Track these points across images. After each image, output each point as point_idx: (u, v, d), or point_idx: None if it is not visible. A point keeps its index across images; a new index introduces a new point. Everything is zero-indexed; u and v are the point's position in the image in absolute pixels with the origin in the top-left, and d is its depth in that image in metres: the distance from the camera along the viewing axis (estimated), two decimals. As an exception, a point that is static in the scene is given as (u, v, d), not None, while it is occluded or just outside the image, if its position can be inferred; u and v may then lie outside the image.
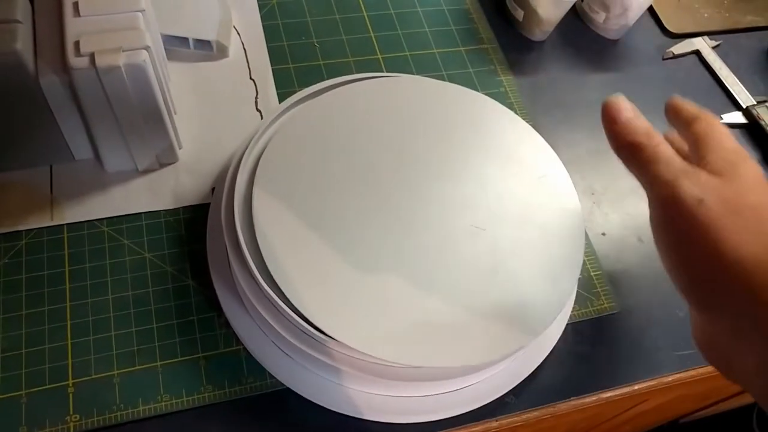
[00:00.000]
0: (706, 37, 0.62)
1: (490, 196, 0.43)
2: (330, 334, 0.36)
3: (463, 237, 0.41)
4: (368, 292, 0.38)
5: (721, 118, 0.57)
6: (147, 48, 0.38)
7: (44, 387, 0.38)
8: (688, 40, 0.62)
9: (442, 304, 0.38)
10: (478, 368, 0.38)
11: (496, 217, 0.42)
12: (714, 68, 0.60)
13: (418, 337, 0.37)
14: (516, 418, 0.42)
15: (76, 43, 0.37)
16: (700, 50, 0.61)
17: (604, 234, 0.50)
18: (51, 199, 0.44)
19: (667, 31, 0.63)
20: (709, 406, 0.89)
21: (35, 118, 0.41)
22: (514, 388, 0.42)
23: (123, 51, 0.38)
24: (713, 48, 0.62)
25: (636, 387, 0.44)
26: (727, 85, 0.59)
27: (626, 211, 0.52)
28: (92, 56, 0.37)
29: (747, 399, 0.79)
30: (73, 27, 0.38)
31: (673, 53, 0.61)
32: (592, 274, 0.48)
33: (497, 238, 0.41)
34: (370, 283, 0.38)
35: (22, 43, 0.37)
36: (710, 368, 0.46)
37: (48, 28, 0.39)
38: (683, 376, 0.45)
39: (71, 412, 0.37)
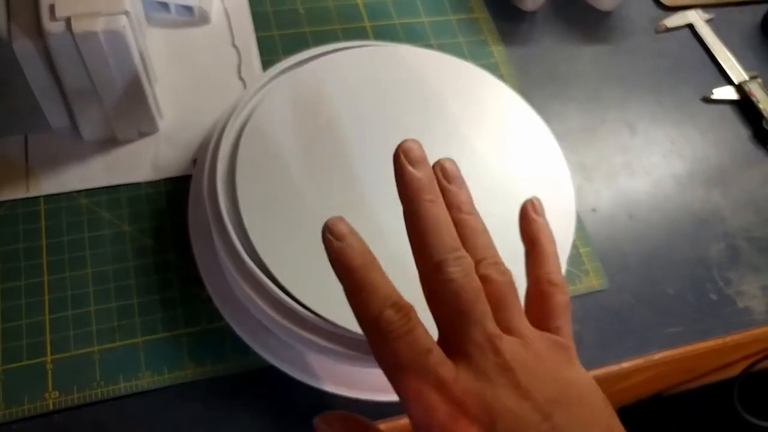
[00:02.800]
0: (699, 10, 0.61)
1: (479, 170, 0.42)
2: (314, 310, 0.35)
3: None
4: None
5: (713, 93, 0.57)
6: (126, 13, 0.37)
7: (22, 363, 0.37)
8: (681, 13, 0.61)
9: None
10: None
11: (485, 191, 0.41)
12: (707, 42, 0.60)
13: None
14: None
15: (51, 7, 0.36)
16: (693, 23, 0.60)
17: (594, 210, 0.50)
18: (26, 169, 0.42)
19: (661, 3, 0.62)
20: (691, 380, 0.90)
21: (8, 84, 0.39)
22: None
23: (101, 16, 0.36)
24: (706, 21, 0.61)
25: (624, 365, 0.44)
26: (719, 59, 0.59)
27: (617, 187, 0.51)
28: (68, 21, 0.35)
29: (728, 373, 0.80)
30: (47, -11, 0.36)
31: (666, 26, 0.60)
32: (581, 250, 0.47)
33: (486, 214, 0.40)
34: (356, 258, 0.38)
35: (-8, 5, 0.35)
36: (698, 346, 0.46)
37: (20, -10, 0.38)
38: (671, 353, 0.45)
39: (50, 389, 0.37)
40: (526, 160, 0.44)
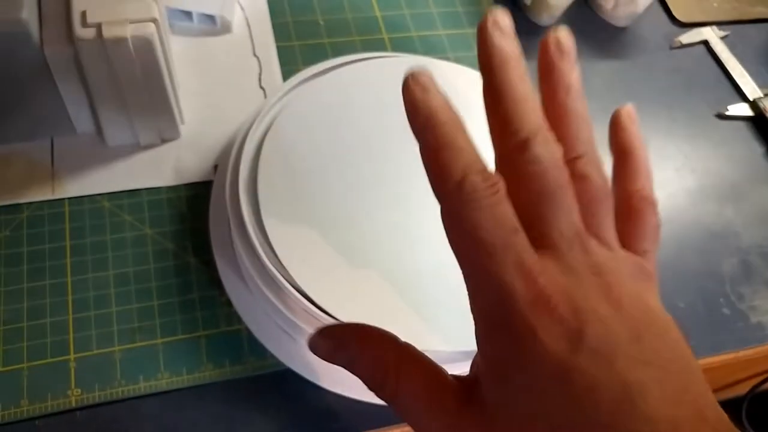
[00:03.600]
0: (714, 27, 0.62)
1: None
2: (334, 315, 0.36)
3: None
4: (374, 274, 0.38)
5: (727, 110, 0.57)
6: (155, 20, 0.38)
7: (46, 361, 0.38)
8: (696, 30, 0.62)
9: (447, 288, 0.38)
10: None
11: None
12: (721, 59, 0.60)
13: (421, 319, 0.37)
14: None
15: (83, 13, 0.37)
16: (709, 40, 0.61)
17: (606, 222, 0.50)
18: (52, 172, 0.43)
19: (676, 19, 0.62)
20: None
21: (38, 89, 0.40)
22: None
23: (130, 23, 0.37)
24: (721, 38, 0.61)
25: (634, 375, 0.44)
26: (734, 76, 0.59)
27: (629, 200, 0.52)
28: (99, 27, 0.36)
29: (737, 391, 0.80)
30: (79, -4, 0.37)
31: (681, 42, 0.61)
32: (594, 262, 0.48)
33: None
34: (375, 264, 0.38)
35: (28, 12, 0.36)
36: (709, 360, 0.46)
37: (53, -2, 0.39)
38: (681, 365, 0.45)
39: (73, 386, 0.37)
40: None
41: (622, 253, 0.24)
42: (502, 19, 0.25)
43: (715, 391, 0.60)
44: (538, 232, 0.22)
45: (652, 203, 0.26)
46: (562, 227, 0.22)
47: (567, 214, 0.23)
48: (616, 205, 0.25)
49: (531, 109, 0.24)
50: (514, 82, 0.24)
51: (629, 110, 0.29)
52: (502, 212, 0.21)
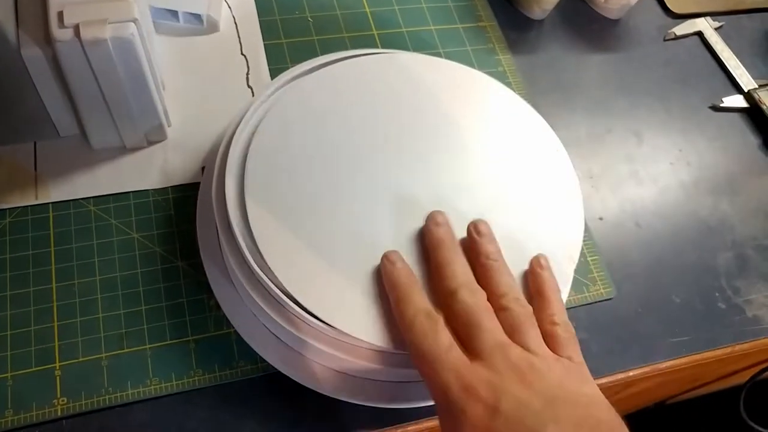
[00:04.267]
0: (708, 18, 0.61)
1: (488, 178, 0.42)
2: (323, 319, 0.35)
3: (459, 221, 0.40)
4: (363, 276, 0.37)
5: (722, 102, 0.57)
6: (135, 20, 0.37)
7: (31, 369, 0.37)
8: (690, 21, 0.61)
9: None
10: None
11: (493, 200, 0.42)
12: (716, 50, 0.59)
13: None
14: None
15: (60, 14, 0.36)
16: (703, 31, 0.60)
17: (601, 219, 0.50)
18: (35, 176, 0.43)
19: (670, 11, 0.62)
20: (697, 388, 0.90)
21: (17, 92, 0.39)
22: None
23: (109, 23, 0.36)
24: (716, 29, 0.61)
25: (631, 373, 0.44)
26: (728, 67, 0.58)
27: (625, 195, 0.51)
28: (77, 28, 0.36)
29: (734, 381, 0.79)
30: (56, -4, 0.37)
31: (675, 34, 0.60)
32: (588, 259, 0.47)
33: (494, 223, 0.41)
34: (364, 266, 0.38)
35: (3, 13, 0.35)
36: (705, 355, 0.46)
37: (30, -2, 0.38)
38: (678, 362, 0.45)
39: (59, 395, 0.37)
40: (535, 169, 0.44)
41: (550, 355, 0.32)
42: (437, 216, 0.38)
43: (711, 383, 0.59)
44: (470, 347, 0.32)
45: (560, 323, 0.34)
46: (484, 342, 0.31)
47: (488, 333, 0.32)
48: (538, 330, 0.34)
49: (460, 271, 0.35)
50: (446, 255, 0.36)
51: (540, 259, 0.38)
52: (440, 338, 0.32)
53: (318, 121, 0.42)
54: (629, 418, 0.32)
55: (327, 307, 0.36)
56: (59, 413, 0.36)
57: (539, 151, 0.45)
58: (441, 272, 0.35)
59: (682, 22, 0.61)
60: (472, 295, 0.33)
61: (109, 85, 0.39)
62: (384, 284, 0.36)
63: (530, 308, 0.34)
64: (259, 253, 0.37)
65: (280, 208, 0.39)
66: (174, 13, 0.49)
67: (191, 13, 0.50)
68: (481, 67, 0.54)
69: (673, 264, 0.48)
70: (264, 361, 0.39)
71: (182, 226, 0.43)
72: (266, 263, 0.37)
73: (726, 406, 1.00)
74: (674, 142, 0.55)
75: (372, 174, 0.41)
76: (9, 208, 0.42)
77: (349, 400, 0.39)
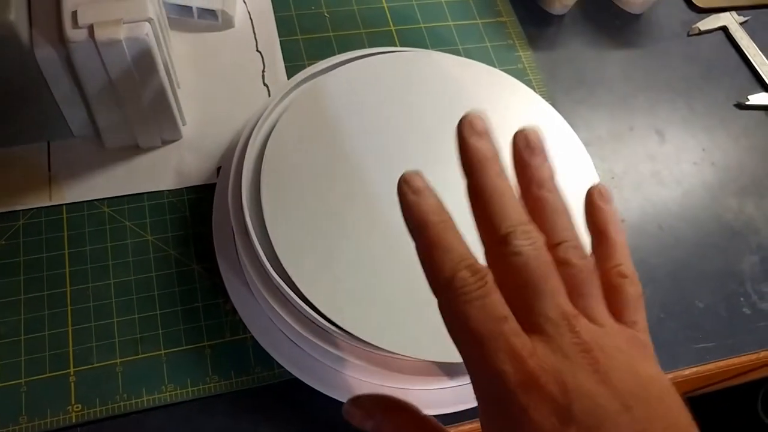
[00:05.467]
0: (734, 13, 0.59)
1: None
2: (340, 325, 0.35)
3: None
4: (380, 282, 0.37)
5: (748, 99, 0.55)
6: (149, 20, 0.36)
7: (45, 375, 0.37)
8: (714, 16, 0.59)
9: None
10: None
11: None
12: (741, 46, 0.58)
13: (430, 329, 0.35)
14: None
15: (74, 14, 0.35)
16: (728, 26, 0.59)
17: (622, 220, 0.48)
18: (49, 177, 0.42)
19: (694, 5, 0.60)
20: (711, 385, 0.89)
21: (30, 92, 0.39)
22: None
23: (124, 23, 0.35)
24: (741, 24, 0.59)
25: (653, 381, 0.43)
26: (754, 63, 0.57)
27: (646, 196, 0.50)
28: (91, 28, 0.35)
29: (750, 377, 0.78)
30: (70, -5, 0.36)
31: (699, 29, 0.58)
32: (610, 262, 0.46)
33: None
34: (382, 271, 0.37)
35: (16, 13, 0.34)
36: (730, 362, 0.45)
37: (43, -3, 0.37)
38: (701, 369, 0.44)
39: (73, 402, 0.36)
40: (555, 168, 0.42)
41: (614, 327, 0.25)
42: (477, 122, 0.27)
43: (728, 378, 0.58)
44: (526, 318, 0.24)
45: (629, 276, 0.28)
46: (548, 312, 0.24)
47: (552, 299, 0.24)
48: (601, 283, 0.27)
49: (510, 205, 0.25)
50: (492, 180, 0.26)
51: (601, 189, 0.30)
52: (490, 303, 0.23)
53: (336, 121, 0.41)
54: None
55: (346, 314, 0.35)
56: (74, 420, 0.36)
57: (558, 150, 0.43)
58: (486, 207, 0.26)
59: (707, 17, 0.59)
60: (531, 244, 0.25)
61: (123, 84, 0.38)
62: (405, 221, 0.26)
63: (592, 260, 0.27)
64: (276, 257, 0.36)
65: (298, 211, 0.38)
66: (188, 9, 0.48)
67: (206, 9, 0.49)
68: (500, 63, 0.53)
69: (696, 268, 0.47)
70: (281, 367, 0.38)
71: (197, 229, 0.42)
72: (283, 268, 0.36)
73: (743, 401, 1.00)
74: (698, 141, 0.53)
75: (392, 175, 0.40)
76: (23, 210, 0.41)
77: (368, 408, 0.38)
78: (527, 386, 0.22)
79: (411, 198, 0.26)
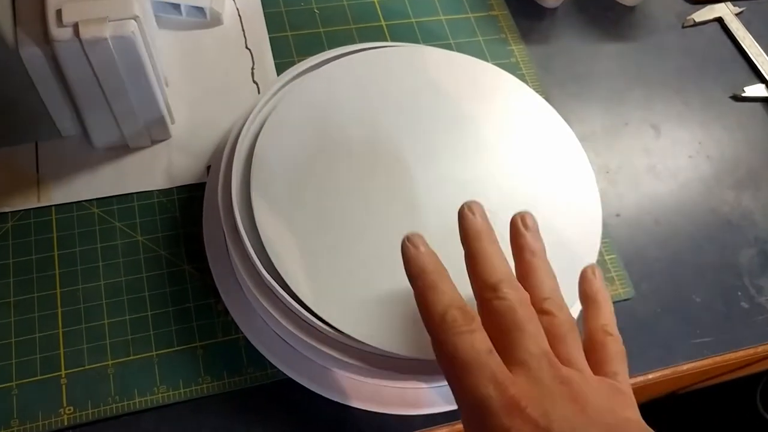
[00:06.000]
0: (729, 3, 0.59)
1: (501, 175, 0.41)
2: (332, 324, 0.34)
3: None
4: (372, 280, 0.36)
5: (744, 91, 0.55)
6: (136, 18, 0.35)
7: (36, 378, 0.36)
8: (709, 7, 0.59)
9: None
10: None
11: (507, 198, 0.40)
12: (737, 37, 0.57)
13: (423, 328, 0.35)
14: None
15: (59, 12, 0.35)
16: (723, 17, 0.58)
17: (618, 215, 0.48)
18: (37, 178, 0.42)
19: (688, -4, 0.59)
20: (710, 379, 0.89)
21: (16, 92, 0.38)
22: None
23: (109, 21, 0.35)
24: (736, 15, 0.58)
25: (650, 376, 0.43)
26: (750, 55, 0.56)
27: (642, 191, 0.49)
28: (76, 26, 0.34)
29: (749, 371, 0.78)
30: (54, -6, 0.35)
31: (694, 20, 0.58)
32: (606, 257, 0.46)
33: (509, 223, 0.39)
34: (374, 269, 0.36)
35: (0, 11, 0.34)
36: (728, 356, 0.44)
37: (28, -5, 0.36)
38: (699, 364, 0.43)
39: (65, 404, 0.36)
40: (549, 164, 0.42)
41: (592, 376, 0.28)
42: (475, 207, 0.32)
43: (726, 372, 0.57)
44: (510, 354, 0.27)
45: (614, 335, 0.31)
46: (529, 348, 0.27)
47: (533, 339, 0.27)
48: (585, 341, 0.31)
49: (502, 264, 0.30)
50: (486, 247, 0.31)
51: (593, 267, 0.34)
52: (477, 338, 0.27)
53: (325, 117, 0.41)
54: (640, 408, 0.30)
55: (338, 312, 0.35)
56: (66, 423, 0.35)
57: (553, 145, 0.43)
58: (479, 265, 0.30)
59: (702, 8, 0.59)
60: (515, 292, 0.29)
61: (109, 83, 0.38)
62: (406, 271, 0.31)
63: (573, 319, 0.30)
64: (267, 257, 0.36)
65: (289, 209, 0.37)
66: (176, 7, 0.48)
67: (194, 6, 0.48)
68: (493, 58, 0.52)
69: (693, 262, 0.47)
70: (274, 367, 0.38)
71: (188, 229, 0.42)
72: (274, 267, 0.36)
73: (741, 396, 0.99)
74: (693, 134, 0.53)
75: (383, 171, 0.39)
76: (11, 212, 0.41)
77: (361, 407, 0.38)
78: (509, 409, 0.25)
79: (412, 251, 0.31)
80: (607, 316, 0.32)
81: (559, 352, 0.28)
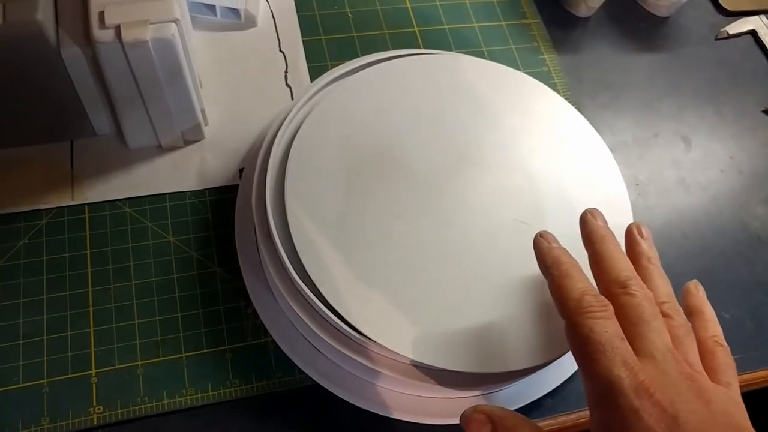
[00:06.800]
0: (763, 16, 0.58)
1: (533, 186, 0.41)
2: (365, 333, 0.34)
3: (506, 233, 0.39)
4: (406, 289, 0.36)
5: (776, 106, 0.54)
6: (176, 21, 0.36)
7: (67, 376, 0.37)
8: (743, 19, 0.58)
9: (483, 305, 0.36)
10: (521, 374, 0.36)
11: (539, 210, 0.40)
12: (770, 50, 0.57)
13: (458, 339, 0.35)
14: (552, 421, 0.40)
15: (101, 14, 0.35)
16: (757, 30, 0.58)
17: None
18: (72, 176, 0.42)
19: (722, 8, 0.59)
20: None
21: (56, 91, 0.38)
22: (552, 390, 0.40)
23: (151, 24, 0.35)
24: (770, 28, 0.58)
25: (678, 392, 0.42)
26: (783, 69, 0.56)
27: (672, 203, 0.49)
28: (118, 29, 0.35)
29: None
30: (96, -5, 0.35)
31: (728, 33, 0.57)
32: (635, 271, 0.45)
33: (539, 228, 0.39)
34: (408, 278, 0.36)
35: (43, 13, 0.34)
36: (755, 375, 0.44)
37: (70, -4, 0.37)
38: (728, 382, 0.43)
39: (94, 403, 0.36)
40: (581, 174, 0.42)
41: (710, 381, 0.28)
42: (596, 213, 0.35)
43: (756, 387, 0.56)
44: (638, 345, 0.28)
45: (724, 347, 0.32)
46: (657, 342, 0.28)
47: (660, 335, 0.29)
48: (698, 350, 0.31)
49: (628, 265, 0.32)
50: (611, 248, 0.33)
51: (695, 283, 0.36)
52: (611, 324, 0.28)
53: (360, 125, 0.41)
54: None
55: (369, 320, 0.35)
56: (95, 422, 0.36)
57: (588, 158, 0.43)
58: (607, 263, 0.32)
59: (735, 20, 0.58)
60: (642, 290, 0.30)
61: (147, 84, 0.38)
62: (540, 262, 0.33)
63: (690, 323, 0.32)
64: (300, 262, 0.36)
65: (322, 215, 0.37)
66: (211, 8, 0.48)
67: (229, 8, 0.48)
68: (525, 66, 0.52)
69: (721, 278, 0.47)
70: (302, 373, 0.38)
71: (219, 230, 0.42)
72: (307, 273, 0.36)
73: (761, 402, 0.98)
74: (725, 147, 0.52)
75: (418, 182, 0.39)
76: (46, 209, 0.41)
77: (390, 415, 0.38)
78: (639, 392, 0.26)
79: (545, 245, 0.33)
80: (716, 327, 0.33)
81: (678, 350, 0.29)
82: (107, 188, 0.42)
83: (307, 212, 0.37)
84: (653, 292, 0.31)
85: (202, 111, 0.44)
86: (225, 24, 0.49)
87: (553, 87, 0.51)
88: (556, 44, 0.54)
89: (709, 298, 0.46)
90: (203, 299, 0.40)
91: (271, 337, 0.39)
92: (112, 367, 0.37)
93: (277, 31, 0.49)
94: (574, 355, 0.29)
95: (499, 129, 0.42)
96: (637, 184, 0.50)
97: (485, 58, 0.50)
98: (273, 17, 0.50)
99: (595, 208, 0.35)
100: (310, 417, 0.38)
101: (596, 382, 0.27)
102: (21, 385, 0.36)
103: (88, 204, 0.41)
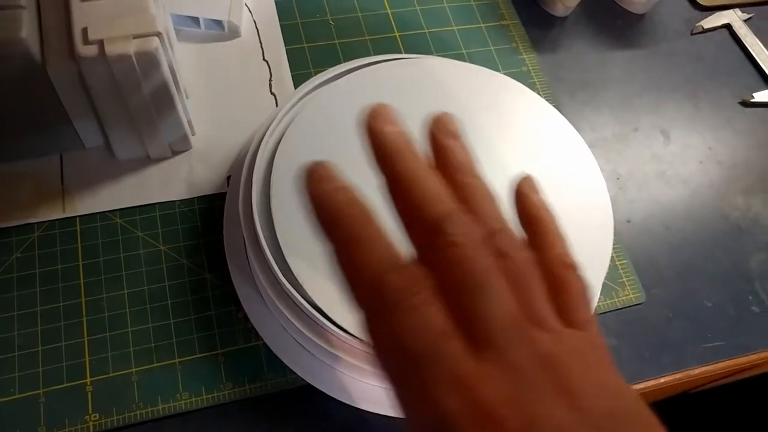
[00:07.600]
0: (737, 10, 0.59)
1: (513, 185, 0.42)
2: (351, 332, 0.35)
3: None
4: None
5: (753, 97, 0.55)
6: (158, 34, 0.36)
7: (62, 386, 0.37)
8: (718, 13, 0.59)
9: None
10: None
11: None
12: (746, 43, 0.58)
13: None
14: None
15: (84, 30, 0.36)
16: (731, 23, 0.59)
17: (629, 221, 0.49)
18: (62, 189, 0.43)
19: (697, 3, 0.60)
20: (722, 378, 0.89)
21: (43, 107, 0.39)
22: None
23: (133, 38, 0.36)
24: (745, 21, 0.59)
25: (662, 380, 0.43)
26: (759, 61, 0.57)
27: (652, 197, 0.50)
28: (101, 44, 0.35)
29: (761, 370, 0.78)
30: (80, 12, 0.36)
31: (703, 27, 0.59)
32: (617, 263, 0.46)
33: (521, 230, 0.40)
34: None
35: (27, 31, 0.35)
36: (739, 360, 0.45)
37: (54, 14, 0.37)
38: (710, 369, 0.44)
39: (90, 411, 0.37)
40: (560, 172, 0.43)
41: (566, 333, 0.21)
42: (382, 110, 0.23)
43: (738, 372, 0.58)
44: (473, 328, 0.19)
45: (572, 266, 0.24)
46: (497, 319, 0.19)
47: (499, 302, 0.20)
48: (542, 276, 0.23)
49: (436, 190, 0.21)
50: (411, 167, 0.22)
51: (528, 179, 0.26)
52: (427, 314, 0.19)
53: (344, 129, 0.42)
54: (651, 406, 0.28)
55: (355, 320, 0.35)
56: (91, 430, 0.36)
57: (563, 153, 0.44)
58: (411, 194, 0.22)
59: (710, 15, 0.59)
60: (465, 232, 0.21)
61: (133, 97, 0.39)
62: (316, 217, 0.23)
63: (529, 252, 0.23)
64: (287, 265, 0.37)
65: (308, 218, 0.38)
66: (195, 20, 0.49)
67: (212, 20, 0.49)
68: (504, 67, 0.53)
69: (704, 267, 0.48)
70: (294, 373, 0.39)
71: (209, 238, 0.43)
72: (294, 276, 0.36)
73: (753, 395, 0.99)
74: (703, 140, 0.53)
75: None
76: (37, 222, 0.42)
77: (381, 412, 0.38)
78: (482, 425, 0.18)
79: (324, 188, 0.22)
80: (560, 242, 0.24)
81: (522, 305, 0.21)
82: (97, 200, 0.43)
83: (293, 216, 0.38)
84: (480, 220, 0.22)
85: (189, 121, 0.44)
86: (209, 35, 0.50)
87: (533, 86, 0.52)
88: (535, 44, 0.55)
89: (691, 287, 0.47)
90: (195, 305, 0.40)
91: (262, 340, 0.40)
92: (107, 375, 0.38)
93: (260, 41, 0.50)
94: (384, 375, 0.20)
95: (477, 128, 0.43)
96: (618, 179, 0.51)
97: (465, 61, 0.51)
98: (256, 27, 0.51)
99: (383, 106, 0.25)
100: (302, 416, 0.39)
101: (420, 418, 0.19)
102: (17, 396, 0.37)
103: (79, 216, 0.42)
